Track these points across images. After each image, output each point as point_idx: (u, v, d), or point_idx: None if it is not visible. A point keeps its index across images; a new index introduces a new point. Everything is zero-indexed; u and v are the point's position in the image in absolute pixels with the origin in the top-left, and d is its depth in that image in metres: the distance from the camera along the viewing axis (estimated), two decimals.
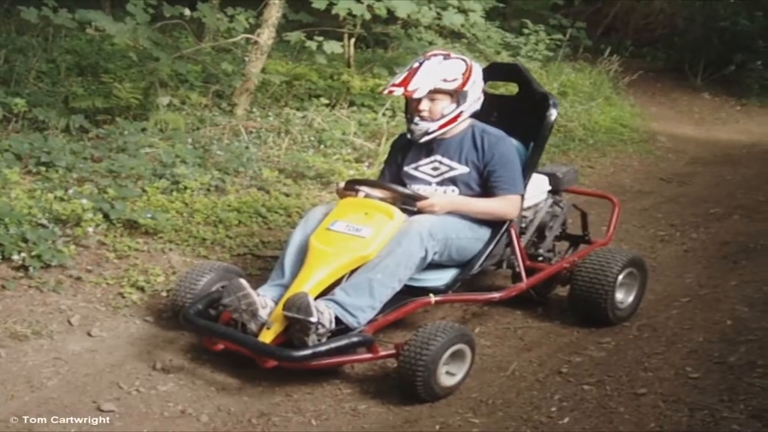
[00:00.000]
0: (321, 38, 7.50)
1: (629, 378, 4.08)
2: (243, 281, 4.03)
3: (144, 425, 3.61)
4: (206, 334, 4.04)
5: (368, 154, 7.30)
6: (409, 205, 4.35)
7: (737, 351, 4.31)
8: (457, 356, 3.93)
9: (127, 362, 4.11)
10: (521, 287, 4.57)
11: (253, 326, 3.95)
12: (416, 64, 4.42)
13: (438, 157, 4.50)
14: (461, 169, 4.45)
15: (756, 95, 12.87)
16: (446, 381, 3.90)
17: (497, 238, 4.48)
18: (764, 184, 7.94)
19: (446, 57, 4.46)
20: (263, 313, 3.95)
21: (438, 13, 7.91)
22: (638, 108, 11.34)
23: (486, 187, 4.43)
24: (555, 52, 10.70)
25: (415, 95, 4.35)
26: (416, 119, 4.41)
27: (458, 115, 4.43)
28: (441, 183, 4.47)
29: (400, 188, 4.40)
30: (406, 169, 4.58)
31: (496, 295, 4.48)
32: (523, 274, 4.60)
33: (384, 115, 8.01)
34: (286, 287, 4.08)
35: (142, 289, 4.74)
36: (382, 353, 3.95)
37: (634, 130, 10.03)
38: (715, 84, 13.39)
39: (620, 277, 4.58)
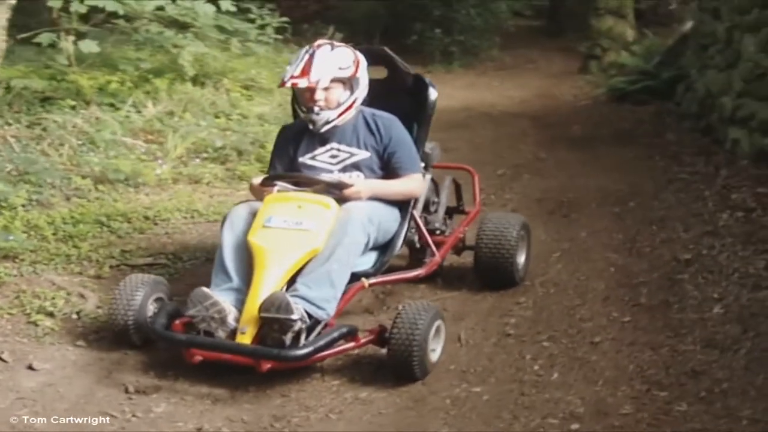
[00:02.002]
0: (72, 37, 7.13)
1: (575, 330, 4.37)
2: (207, 290, 3.91)
3: None
4: (192, 347, 3.84)
5: (152, 151, 6.95)
6: (332, 193, 4.32)
7: (642, 293, 4.74)
8: (437, 333, 4.03)
9: (97, 390, 3.83)
10: (437, 261, 4.72)
11: (221, 333, 3.85)
12: (307, 55, 4.39)
13: (335, 145, 4.50)
14: (362, 154, 4.48)
15: (439, 62, 13.76)
16: (432, 357, 3.97)
17: (408, 217, 4.58)
18: (516, 143, 8.50)
19: (333, 46, 4.47)
20: (231, 320, 3.85)
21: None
22: None
23: (387, 170, 4.50)
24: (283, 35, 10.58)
25: (319, 85, 4.34)
26: (316, 109, 4.38)
27: (353, 102, 4.48)
28: (344, 170, 4.48)
29: (326, 178, 4.39)
30: (302, 160, 4.53)
31: (421, 271, 4.60)
32: (434, 248, 4.66)
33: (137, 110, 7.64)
34: (239, 290, 4.01)
35: (51, 315, 4.43)
36: (363, 340, 3.96)
37: None
38: (400, 54, 13.88)
39: (519, 239, 4.83)
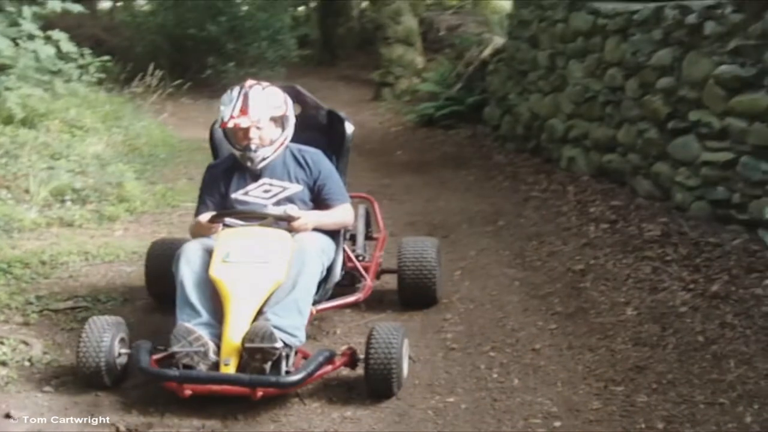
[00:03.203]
0: None
1: (513, 339, 4.77)
2: (189, 325, 4.01)
3: None
4: (187, 382, 3.88)
5: (16, 196, 6.86)
6: (279, 225, 4.51)
7: (554, 303, 5.22)
8: (406, 350, 4.25)
9: None
10: (370, 285, 4.94)
11: (203, 367, 3.94)
12: (241, 95, 4.54)
13: (267, 180, 4.66)
14: (294, 188, 4.67)
15: None
16: (404, 373, 4.19)
17: (341, 245, 4.81)
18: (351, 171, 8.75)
19: (263, 86, 4.65)
20: (212, 353, 3.95)
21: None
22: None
23: (317, 202, 4.71)
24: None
25: (260, 124, 4.51)
26: (253, 147, 4.53)
27: (285, 139, 4.66)
28: (277, 203, 4.63)
29: (273, 211, 4.56)
30: (234, 196, 4.65)
31: (360, 296, 4.85)
32: (364, 272, 4.91)
33: None
34: (210, 324, 4.11)
35: (3, 363, 4.33)
36: (338, 363, 4.15)
37: (189, 141, 10.22)
38: (197, 88, 13.81)
39: (438, 260, 5.18)
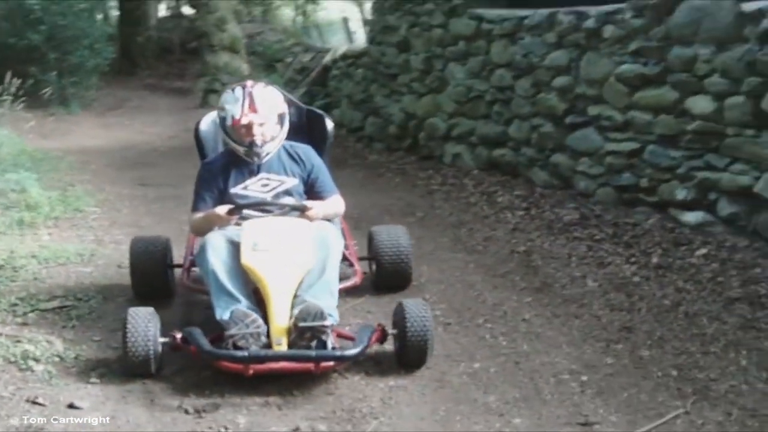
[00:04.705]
0: None
1: (500, 313, 5.19)
2: (245, 309, 4.22)
3: None
4: (255, 362, 4.05)
5: None
6: (292, 215, 4.74)
7: (516, 280, 5.70)
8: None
9: (161, 416, 3.91)
10: (359, 270, 5.21)
11: (255, 348, 4.13)
12: (247, 94, 4.73)
13: (264, 175, 4.86)
14: (291, 181, 4.90)
15: (60, 104, 13.46)
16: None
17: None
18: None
19: (263, 85, 4.88)
20: (264, 335, 4.16)
21: None
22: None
23: (310, 194, 4.95)
24: None
25: (268, 120, 4.74)
26: (258, 143, 4.73)
27: (283, 136, 4.90)
28: (276, 196, 4.84)
29: (291, 202, 4.78)
30: (233, 190, 4.82)
31: (357, 279, 5.08)
32: (353, 260, 5.21)
33: None
34: (252, 309, 4.30)
35: (37, 360, 4.36)
36: (374, 338, 4.39)
37: (42, 151, 9.99)
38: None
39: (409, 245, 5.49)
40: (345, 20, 19.77)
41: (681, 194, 6.16)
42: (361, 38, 13.39)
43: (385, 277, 5.43)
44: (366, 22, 11.41)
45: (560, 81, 7.32)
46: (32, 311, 4.99)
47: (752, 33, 5.62)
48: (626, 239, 6.09)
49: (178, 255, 5.40)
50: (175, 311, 5.03)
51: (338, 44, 13.06)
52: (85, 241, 6.50)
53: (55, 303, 5.12)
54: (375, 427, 3.84)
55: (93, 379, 4.21)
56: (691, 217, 6.10)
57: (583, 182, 7.07)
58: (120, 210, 7.54)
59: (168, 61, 19.54)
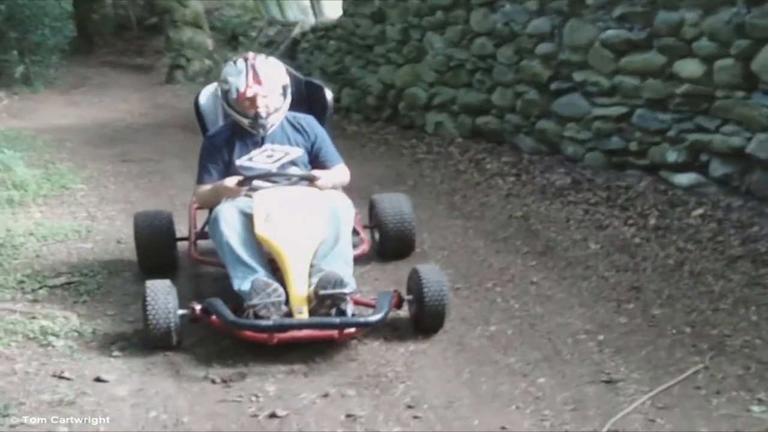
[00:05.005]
0: None
1: (507, 277, 5.24)
2: (265, 278, 4.23)
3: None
4: (280, 330, 4.08)
5: None
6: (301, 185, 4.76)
7: (517, 244, 5.76)
8: None
9: (189, 387, 3.94)
10: (365, 239, 5.26)
11: (276, 317, 4.15)
12: (250, 66, 4.73)
13: (269, 146, 4.86)
14: (296, 152, 4.91)
15: (23, 83, 13.28)
16: None
17: None
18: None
19: (264, 57, 4.88)
20: (284, 304, 4.18)
21: None
22: None
23: (315, 163, 4.97)
24: None
25: (273, 93, 4.74)
26: (263, 114, 4.73)
27: (286, 107, 4.90)
28: (281, 167, 4.85)
29: (299, 172, 4.80)
30: (239, 162, 4.82)
31: (365, 247, 5.13)
32: (359, 229, 5.25)
33: None
34: (270, 278, 4.30)
35: (56, 335, 4.38)
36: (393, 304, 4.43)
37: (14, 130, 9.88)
38: None
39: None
40: None
41: (672, 156, 6.25)
42: (326, 11, 13.28)
43: (388, 244, 5.47)
44: None
45: (543, 48, 7.37)
46: (41, 288, 4.97)
47: None
48: (621, 202, 6.18)
49: (178, 229, 5.36)
50: (182, 284, 4.99)
51: (302, 17, 12.93)
52: (78, 218, 6.44)
53: (63, 279, 5.10)
54: (403, 390, 3.86)
55: (115, 353, 4.21)
56: (684, 178, 6.19)
57: (571, 147, 7.14)
58: (107, 186, 7.46)
59: (125, 38, 19.29)
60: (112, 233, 6.06)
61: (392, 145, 8.59)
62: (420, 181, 7.25)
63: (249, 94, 4.66)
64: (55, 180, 7.52)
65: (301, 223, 4.41)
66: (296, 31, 12.63)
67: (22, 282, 5.03)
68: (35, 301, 4.80)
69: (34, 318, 4.49)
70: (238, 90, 4.67)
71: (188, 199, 6.04)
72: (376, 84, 9.63)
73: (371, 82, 9.67)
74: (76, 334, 4.38)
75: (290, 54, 12.52)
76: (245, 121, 4.76)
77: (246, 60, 4.76)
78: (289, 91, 4.87)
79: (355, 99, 10.08)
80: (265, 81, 4.69)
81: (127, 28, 19.67)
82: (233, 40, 16.89)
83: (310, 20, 12.92)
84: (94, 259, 5.52)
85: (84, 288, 4.98)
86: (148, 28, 19.09)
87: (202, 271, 5.21)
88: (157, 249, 5.18)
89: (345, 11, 10.48)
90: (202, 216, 5.17)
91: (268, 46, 13.93)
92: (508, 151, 7.67)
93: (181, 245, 5.33)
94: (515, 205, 6.42)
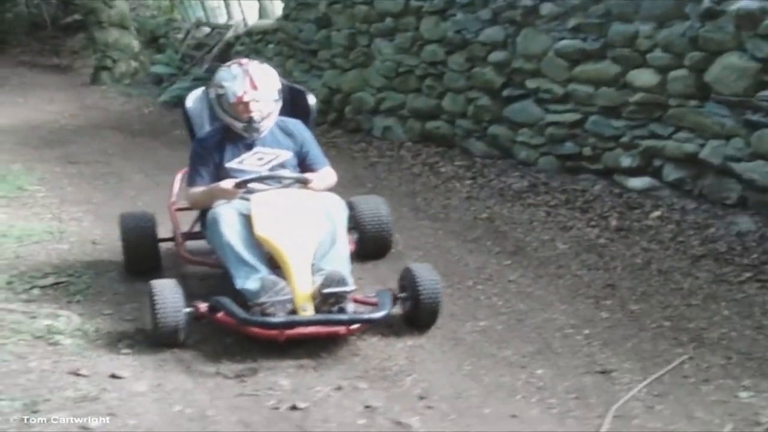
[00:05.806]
0: None
1: (485, 276, 5.43)
2: (273, 276, 4.36)
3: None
4: (291, 327, 4.22)
5: None
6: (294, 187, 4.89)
7: (487, 245, 5.97)
8: None
9: (203, 382, 4.04)
10: (353, 239, 5.39)
11: (282, 315, 4.28)
12: (245, 72, 4.87)
13: (259, 149, 4.99)
14: (285, 155, 5.04)
15: None
16: None
17: None
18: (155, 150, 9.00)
19: (257, 63, 5.02)
20: (290, 302, 4.31)
21: None
22: None
23: (302, 167, 5.11)
24: None
25: (268, 98, 4.88)
26: (257, 119, 4.86)
27: (278, 111, 5.03)
28: (271, 170, 4.97)
29: (294, 174, 4.95)
30: (229, 165, 4.93)
31: (352, 248, 5.22)
32: None
33: None
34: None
35: (61, 334, 4.42)
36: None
37: None
38: None
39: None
40: None
41: (626, 161, 6.56)
42: (249, 13, 13.28)
43: (367, 245, 5.62)
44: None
45: (496, 56, 7.62)
46: (32, 288, 4.99)
47: (694, 11, 6.01)
48: (579, 204, 6.45)
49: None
50: None
51: (238, 20, 12.97)
52: (44, 219, 6.44)
53: (51, 279, 5.13)
54: (411, 383, 4.03)
55: (124, 350, 4.28)
56: (638, 182, 6.51)
57: (524, 152, 7.41)
58: (63, 188, 7.44)
59: (39, 38, 19.05)
60: (84, 234, 6.08)
61: (342, 148, 8.73)
62: (378, 184, 7.42)
63: (246, 98, 4.78)
64: (10, 181, 7.47)
65: (300, 223, 4.55)
66: (230, 34, 12.67)
67: (11, 283, 5.03)
68: (30, 301, 4.81)
69: (35, 317, 4.51)
70: (235, 94, 4.78)
71: (153, 201, 6.13)
72: (320, 88, 9.76)
73: (315, 86, 9.79)
74: (80, 332, 4.43)
75: (223, 57, 12.53)
76: (239, 125, 4.87)
77: (240, 65, 4.89)
78: (280, 96, 4.99)
79: None
80: (261, 86, 4.82)
81: (41, 27, 19.38)
82: (154, 42, 16.80)
83: (242, 24, 12.93)
84: (74, 260, 5.55)
85: (74, 288, 5.02)
86: (63, 28, 18.87)
87: (188, 271, 5.26)
88: (144, 250, 5.24)
89: (286, 16, 10.58)
90: (182, 217, 5.29)
91: (198, 49, 13.92)
92: (460, 155, 7.89)
93: (162, 246, 5.38)
94: (478, 207, 6.64)
